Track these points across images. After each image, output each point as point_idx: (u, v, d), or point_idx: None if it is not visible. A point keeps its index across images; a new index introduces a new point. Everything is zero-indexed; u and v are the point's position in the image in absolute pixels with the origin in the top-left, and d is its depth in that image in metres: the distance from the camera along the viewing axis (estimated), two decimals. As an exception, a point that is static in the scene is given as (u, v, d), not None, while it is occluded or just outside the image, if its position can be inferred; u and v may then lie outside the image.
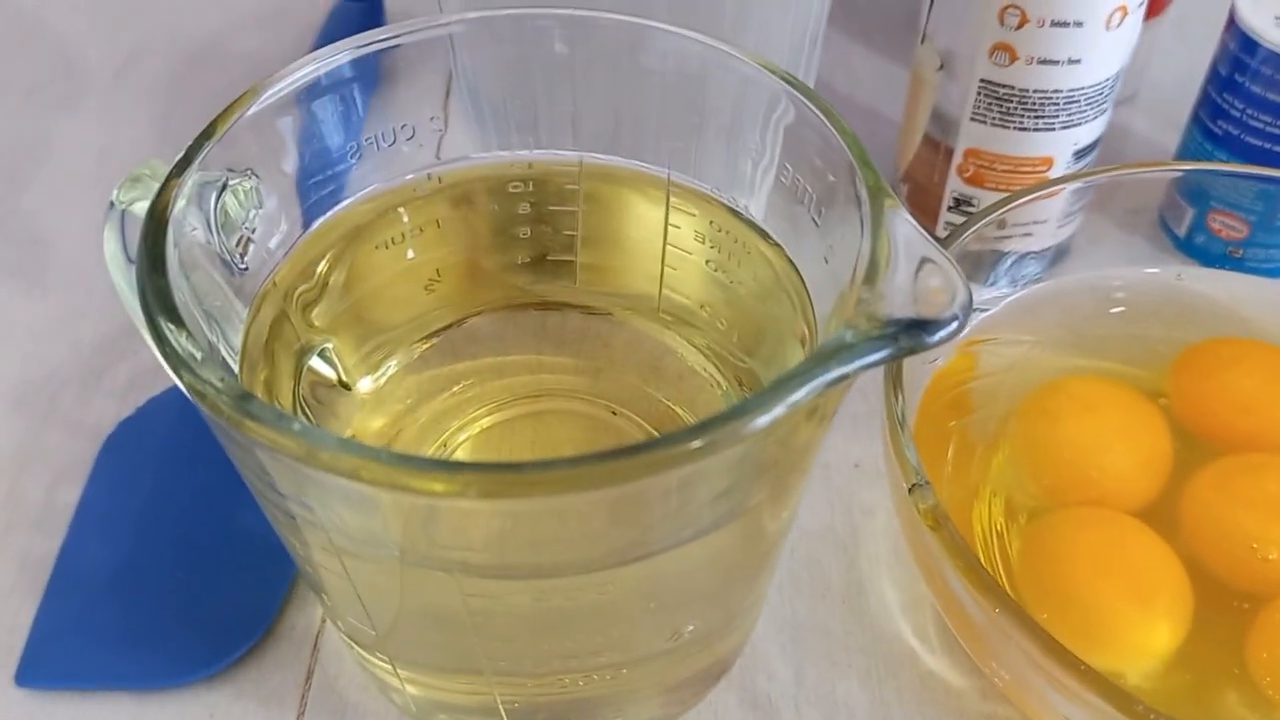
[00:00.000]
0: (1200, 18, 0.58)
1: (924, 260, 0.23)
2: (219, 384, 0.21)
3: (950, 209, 0.43)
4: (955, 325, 0.22)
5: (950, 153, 0.41)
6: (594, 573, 0.23)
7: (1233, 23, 0.40)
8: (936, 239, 0.26)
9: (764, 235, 0.30)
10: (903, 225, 0.24)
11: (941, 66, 0.40)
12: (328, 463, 0.20)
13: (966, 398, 0.34)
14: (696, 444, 0.20)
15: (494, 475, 0.20)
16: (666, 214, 0.32)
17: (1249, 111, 0.40)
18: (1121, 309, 0.39)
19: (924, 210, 0.44)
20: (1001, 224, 0.41)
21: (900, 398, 0.28)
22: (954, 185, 0.42)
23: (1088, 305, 0.39)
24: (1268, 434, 0.33)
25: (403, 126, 0.31)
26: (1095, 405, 0.33)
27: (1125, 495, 0.31)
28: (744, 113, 0.29)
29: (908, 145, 0.43)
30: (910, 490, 0.26)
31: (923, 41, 0.41)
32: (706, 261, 0.32)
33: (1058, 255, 0.41)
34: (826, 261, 0.27)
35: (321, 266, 0.30)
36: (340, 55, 0.29)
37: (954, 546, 0.25)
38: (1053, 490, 0.31)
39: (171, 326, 0.22)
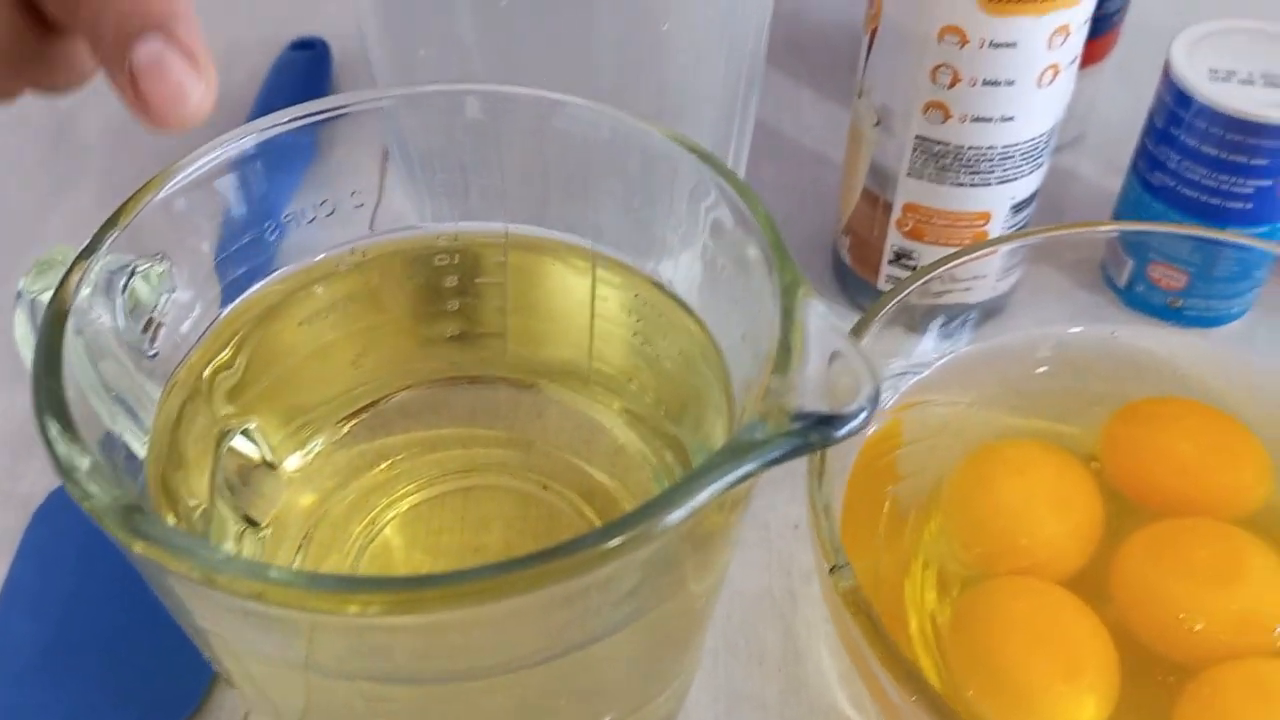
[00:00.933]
0: (1146, 59, 0.58)
1: (835, 353, 0.23)
2: (105, 497, 0.20)
3: (891, 262, 0.43)
4: (862, 419, 0.22)
5: (889, 207, 0.41)
6: (502, 675, 0.23)
7: (1167, 76, 0.41)
8: (871, 306, 0.26)
9: (686, 309, 0.30)
10: (816, 317, 0.23)
11: (878, 122, 0.40)
12: (224, 585, 0.19)
13: (900, 463, 0.34)
14: (601, 548, 0.20)
15: (396, 592, 0.19)
16: (593, 286, 0.32)
17: (1184, 164, 0.41)
18: (1058, 366, 0.39)
19: (865, 262, 0.44)
20: (940, 279, 0.42)
21: (822, 481, 0.28)
22: (894, 239, 0.42)
23: (1024, 363, 0.39)
24: (1200, 497, 0.33)
25: (322, 203, 0.30)
26: (1026, 471, 0.33)
27: (1056, 563, 0.31)
28: (665, 188, 0.29)
29: (848, 199, 0.43)
30: (831, 571, 0.26)
31: (859, 96, 0.41)
32: (633, 334, 0.31)
33: (1000, 306, 0.41)
34: (743, 339, 0.27)
35: (239, 346, 0.30)
36: (257, 135, 0.29)
37: (872, 632, 0.25)
38: (983, 559, 0.31)
39: (57, 432, 0.21)
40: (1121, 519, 0.32)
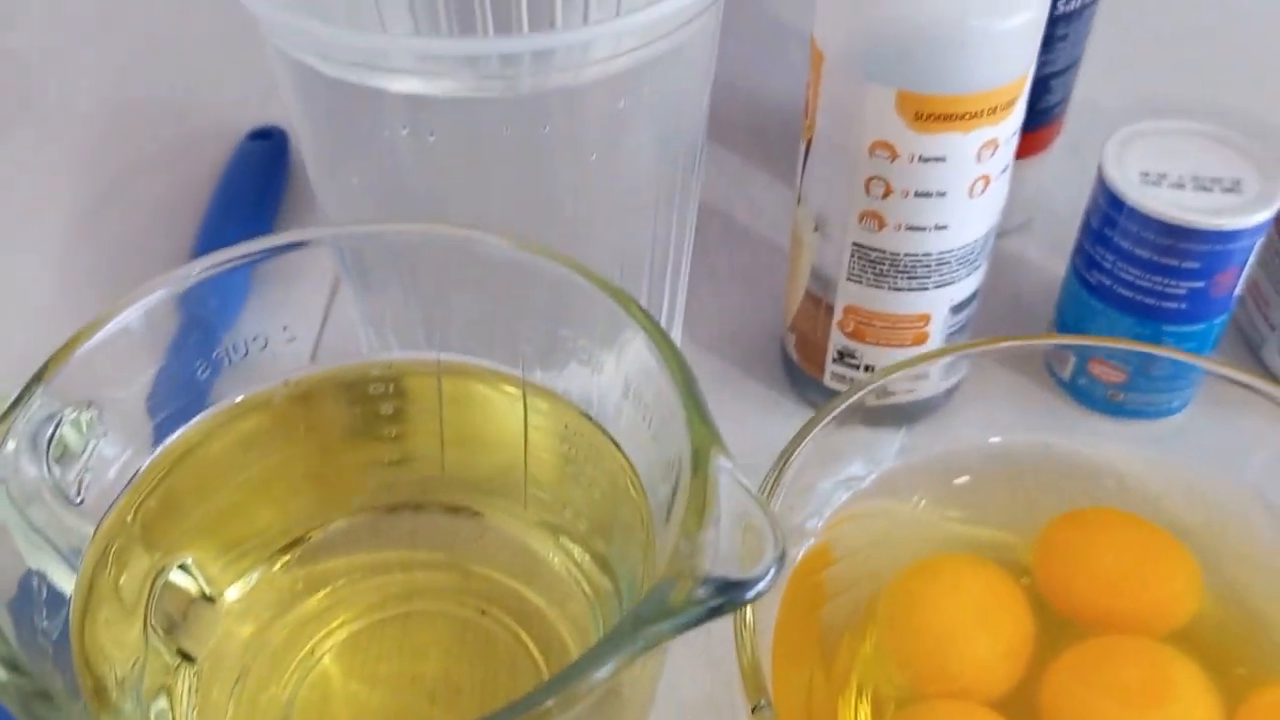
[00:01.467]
0: (1094, 140, 0.59)
1: (743, 515, 0.23)
2: (5, 678, 0.21)
3: (835, 361, 0.43)
4: (768, 581, 0.23)
5: (831, 309, 0.42)
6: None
7: (1100, 178, 0.41)
8: (811, 417, 0.26)
9: (613, 441, 0.30)
10: (726, 477, 0.24)
11: (816, 228, 0.41)
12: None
13: (833, 581, 0.34)
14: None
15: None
16: (525, 414, 0.32)
17: (1119, 264, 0.41)
18: (997, 470, 0.39)
19: (811, 360, 0.44)
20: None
21: (748, 612, 0.28)
22: (837, 339, 0.43)
23: (963, 468, 0.39)
24: (1130, 612, 0.33)
25: (255, 338, 0.31)
26: (956, 590, 0.33)
27: (986, 685, 0.31)
28: (587, 326, 0.29)
29: (793, 298, 0.44)
30: (753, 711, 0.26)
31: (798, 203, 0.41)
32: (567, 462, 0.32)
33: (943, 403, 0.41)
34: (663, 478, 0.27)
35: (170, 484, 0.30)
36: (186, 279, 0.29)
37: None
38: (915, 681, 0.31)
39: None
40: (1053, 635, 0.33)
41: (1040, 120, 0.49)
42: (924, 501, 0.38)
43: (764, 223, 0.55)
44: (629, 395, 0.29)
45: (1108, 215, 0.41)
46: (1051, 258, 0.53)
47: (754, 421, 0.46)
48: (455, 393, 0.32)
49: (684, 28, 0.31)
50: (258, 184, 0.55)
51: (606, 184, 0.33)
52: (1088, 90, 0.61)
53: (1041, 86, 0.47)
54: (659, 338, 0.27)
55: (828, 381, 0.44)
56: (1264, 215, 0.39)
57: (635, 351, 0.28)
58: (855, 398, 0.34)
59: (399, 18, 0.39)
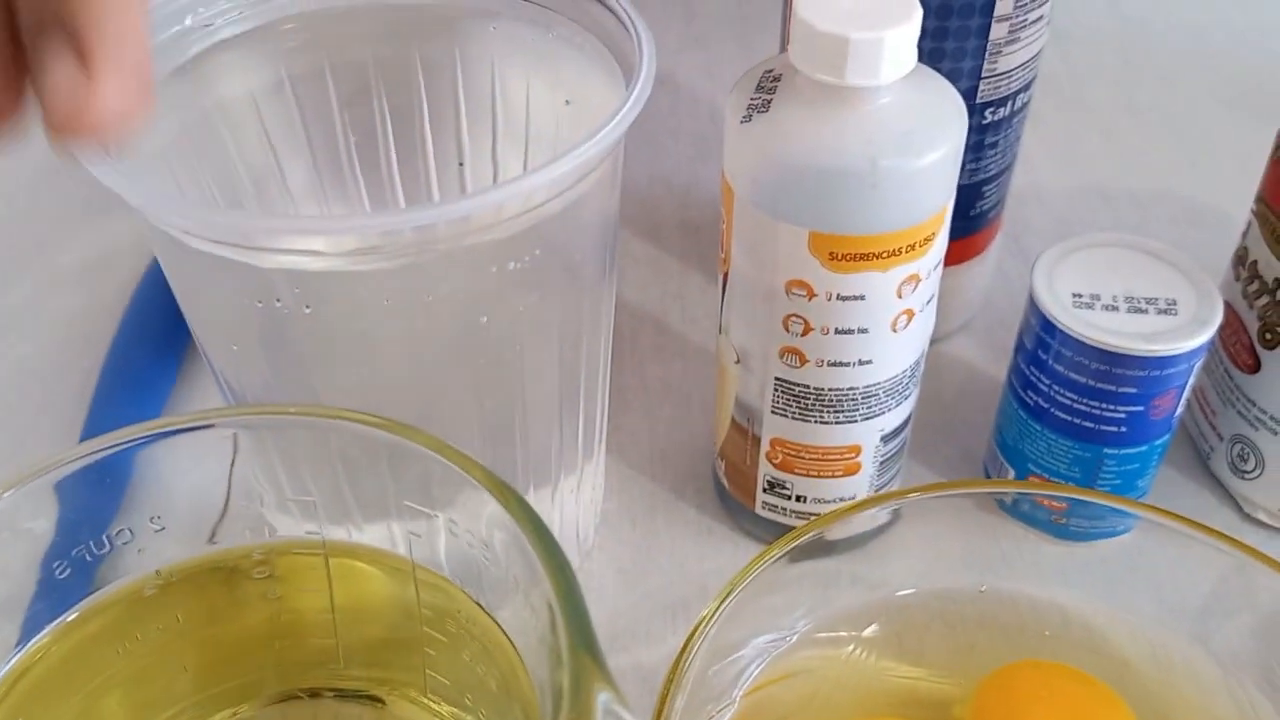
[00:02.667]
0: (1036, 234, 0.58)
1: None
2: None
3: (765, 491, 0.41)
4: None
5: (758, 439, 0.40)
6: None
7: (1032, 300, 0.40)
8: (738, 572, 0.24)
9: (504, 631, 0.28)
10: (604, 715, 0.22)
11: (738, 360, 0.39)
12: None
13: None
14: None
15: None
16: (417, 595, 0.30)
17: (1055, 388, 0.40)
18: (935, 610, 0.38)
19: (741, 488, 0.42)
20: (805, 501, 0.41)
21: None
22: (765, 469, 0.41)
23: (897, 613, 0.38)
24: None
25: (119, 532, 0.29)
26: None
27: None
28: (468, 515, 0.27)
29: (720, 425, 0.42)
30: None
31: (720, 332, 0.39)
32: (462, 648, 0.30)
33: (881, 532, 0.40)
34: (547, 692, 0.25)
35: (31, 694, 0.28)
36: (30, 482, 0.27)
37: None
38: None
39: None
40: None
41: (976, 225, 0.47)
42: (858, 652, 0.36)
43: (698, 331, 0.53)
44: (519, 591, 0.27)
45: (1041, 338, 0.39)
46: (993, 360, 0.51)
47: (684, 550, 0.44)
48: (343, 572, 0.30)
49: (574, 188, 0.30)
50: (170, 307, 0.53)
51: (502, 340, 0.31)
52: (1033, 180, 0.60)
53: (974, 193, 0.46)
54: (536, 540, 0.25)
55: (759, 510, 0.42)
56: (1201, 339, 0.38)
57: (519, 552, 0.26)
58: (763, 567, 0.32)
59: (303, 170, 0.37)
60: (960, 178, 0.45)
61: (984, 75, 0.42)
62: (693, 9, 0.75)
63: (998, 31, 0.41)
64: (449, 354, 0.31)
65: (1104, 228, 0.57)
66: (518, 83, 0.38)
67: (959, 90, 0.42)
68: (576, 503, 0.40)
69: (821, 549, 0.37)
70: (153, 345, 0.49)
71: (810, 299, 0.35)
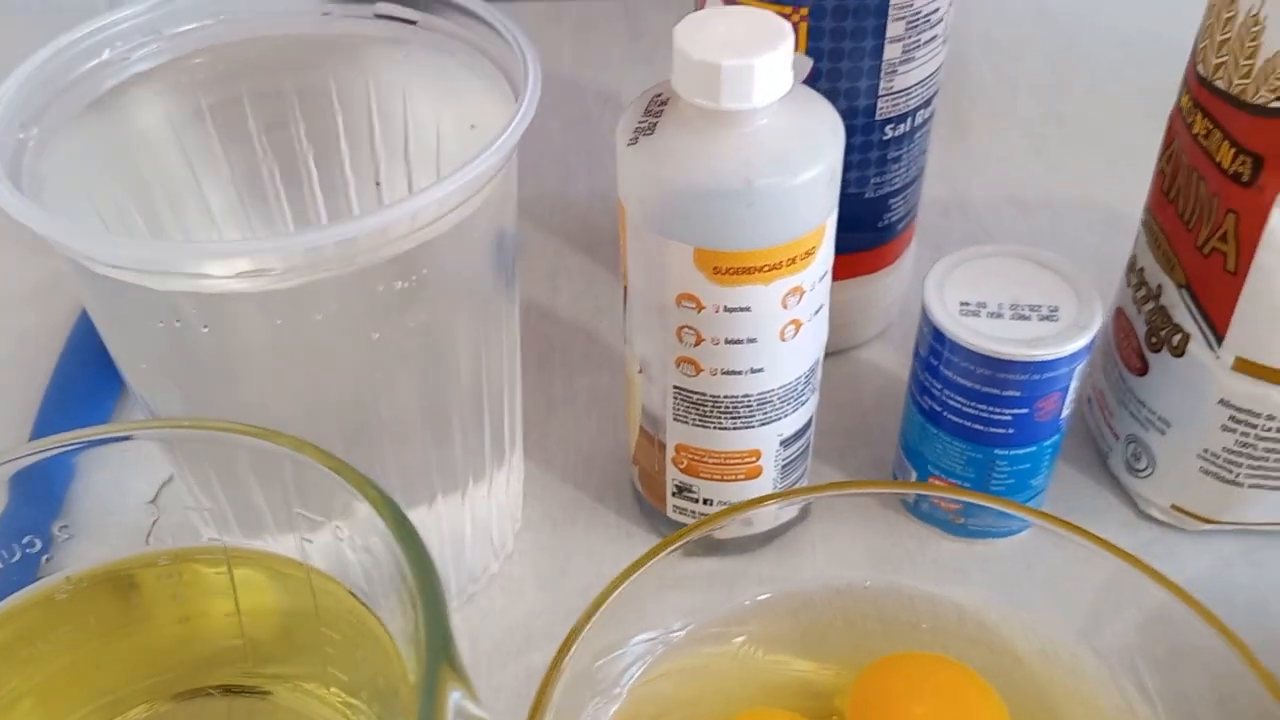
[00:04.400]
0: (957, 244, 0.60)
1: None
2: None
3: (674, 495, 0.43)
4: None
5: (664, 446, 0.42)
6: None
7: (923, 310, 0.41)
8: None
9: (388, 633, 0.30)
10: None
11: (641, 370, 0.41)
12: None
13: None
14: None
15: None
16: (314, 596, 0.32)
17: (946, 393, 0.41)
18: (832, 604, 0.39)
19: (653, 493, 0.44)
20: (711, 504, 0.42)
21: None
22: (672, 474, 0.43)
23: (799, 607, 0.39)
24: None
25: (26, 540, 0.30)
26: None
27: None
28: (353, 522, 0.29)
29: (631, 433, 0.44)
30: None
31: (626, 343, 0.41)
32: (355, 647, 0.32)
33: (788, 529, 0.41)
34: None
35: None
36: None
37: None
38: None
39: None
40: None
41: (885, 237, 0.49)
42: (749, 647, 0.38)
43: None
44: (395, 593, 0.28)
45: (932, 346, 0.41)
46: (908, 368, 0.53)
47: (602, 553, 0.46)
48: (247, 577, 0.32)
49: (459, 208, 0.32)
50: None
51: (397, 354, 0.33)
52: (958, 190, 0.62)
53: (880, 206, 0.48)
54: (403, 544, 0.26)
55: (670, 514, 0.44)
56: (1079, 343, 0.39)
57: (392, 556, 0.27)
58: (647, 567, 0.34)
59: (224, 194, 0.39)
60: (865, 191, 0.47)
61: (881, 93, 0.44)
62: (639, 27, 0.77)
63: (891, 52, 0.43)
64: (345, 369, 0.33)
65: (1022, 236, 0.59)
66: (427, 108, 0.40)
67: (858, 108, 0.45)
68: (490, 508, 0.41)
69: (718, 547, 0.39)
70: (96, 365, 0.51)
71: (699, 311, 0.37)
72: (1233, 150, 0.37)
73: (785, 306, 0.37)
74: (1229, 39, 0.36)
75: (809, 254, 0.37)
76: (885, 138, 0.45)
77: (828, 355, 0.53)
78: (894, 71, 0.43)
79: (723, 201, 0.35)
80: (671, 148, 0.35)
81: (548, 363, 0.53)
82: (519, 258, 0.60)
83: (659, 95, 0.37)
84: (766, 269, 0.36)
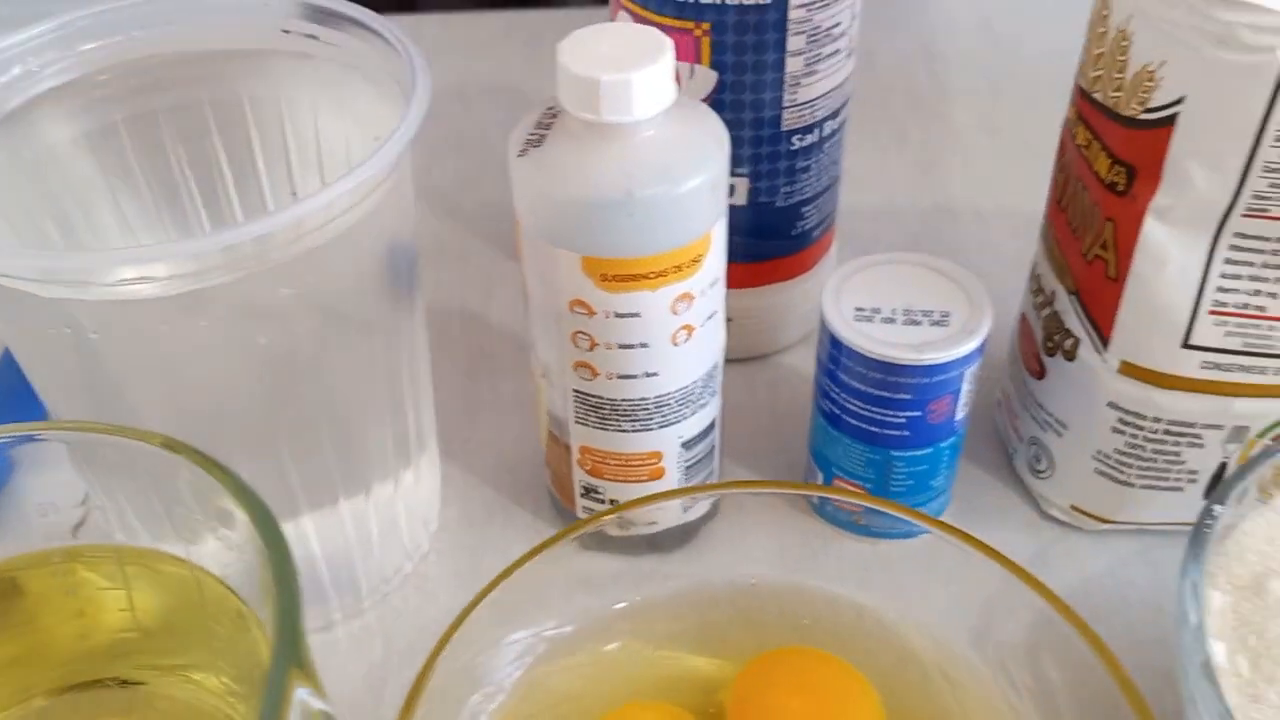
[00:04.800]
0: (886, 251, 0.61)
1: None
2: None
3: (582, 496, 0.44)
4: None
5: (569, 448, 0.43)
6: None
7: (821, 315, 0.43)
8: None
9: (263, 630, 0.31)
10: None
11: (543, 375, 0.42)
12: None
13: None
14: None
15: None
16: (201, 595, 0.33)
17: (844, 396, 0.42)
18: (733, 605, 0.40)
19: (564, 494, 0.45)
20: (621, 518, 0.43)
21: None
22: (579, 476, 0.44)
23: (704, 604, 0.40)
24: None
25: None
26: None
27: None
28: (225, 519, 0.30)
29: (541, 436, 0.45)
30: None
31: (530, 349, 0.42)
32: (240, 643, 0.33)
33: (695, 529, 0.42)
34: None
35: None
36: None
37: None
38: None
39: None
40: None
41: (800, 244, 0.50)
42: (638, 641, 0.39)
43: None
44: (265, 593, 0.30)
45: (830, 351, 0.42)
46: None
47: (517, 553, 0.46)
48: (139, 573, 0.33)
49: (341, 218, 0.33)
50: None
51: (287, 359, 0.34)
52: (890, 198, 0.63)
53: (792, 214, 0.49)
54: (265, 545, 0.27)
55: (579, 514, 0.45)
56: (967, 347, 0.40)
57: (259, 556, 0.28)
58: (534, 562, 0.35)
59: (140, 206, 0.40)
60: (776, 200, 0.49)
61: (786, 105, 0.45)
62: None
63: (794, 65, 0.44)
64: (237, 374, 0.34)
65: (949, 244, 0.60)
66: (336, 121, 0.41)
67: (764, 119, 0.46)
68: (398, 510, 0.42)
69: (628, 547, 0.40)
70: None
71: (591, 317, 0.38)
72: (1109, 160, 0.38)
73: (675, 312, 0.38)
74: (1104, 52, 0.37)
75: (696, 261, 0.38)
76: (793, 148, 0.46)
77: (749, 360, 0.55)
78: (798, 84, 0.45)
79: (606, 211, 0.36)
80: (557, 159, 0.36)
81: (477, 368, 0.55)
82: (455, 265, 0.61)
83: (550, 109, 0.38)
84: (653, 276, 0.37)
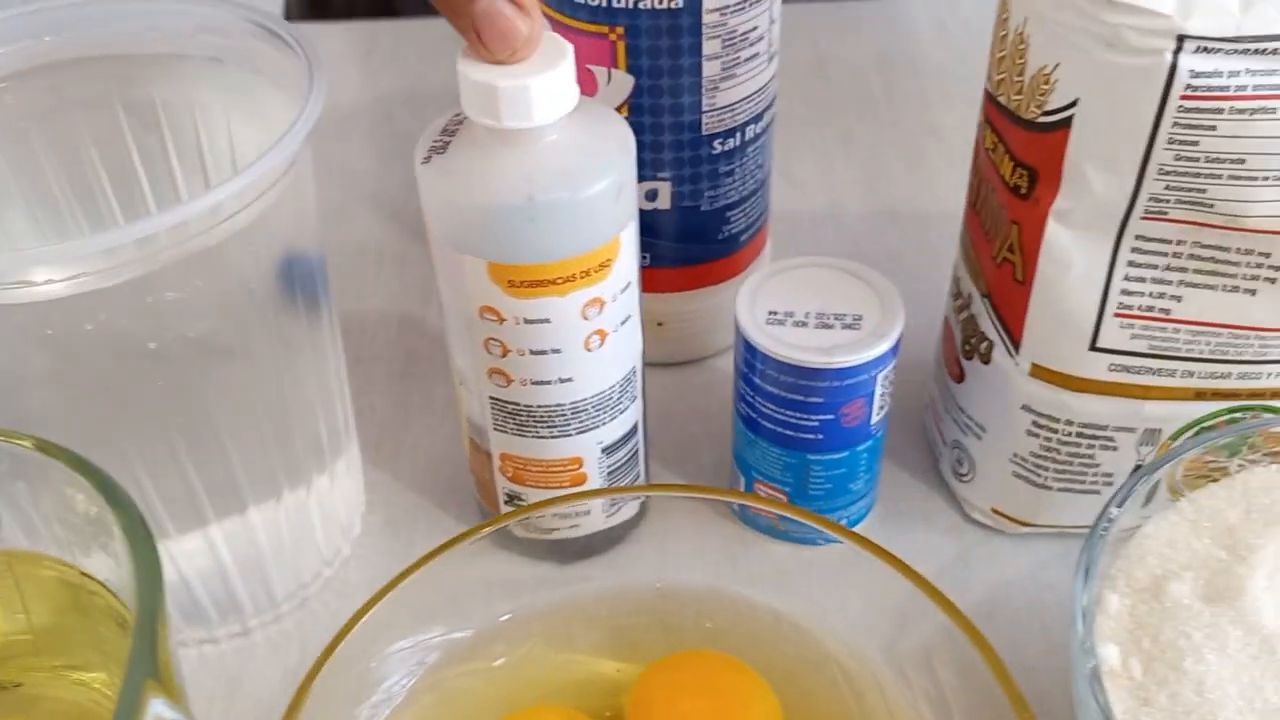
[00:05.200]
0: (829, 255, 0.61)
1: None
2: None
3: (506, 503, 0.44)
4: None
5: (490, 455, 0.43)
6: None
7: (735, 320, 0.43)
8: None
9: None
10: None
11: (461, 382, 0.42)
12: None
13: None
14: None
15: None
16: (90, 599, 0.33)
17: (759, 400, 0.42)
18: (651, 610, 0.40)
19: (489, 500, 0.45)
20: (544, 516, 0.43)
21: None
22: (501, 483, 0.44)
23: (621, 609, 0.40)
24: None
25: None
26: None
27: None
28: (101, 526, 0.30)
29: (465, 443, 0.45)
30: None
31: (450, 356, 0.42)
32: (123, 647, 0.33)
33: (620, 535, 0.42)
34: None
35: None
36: None
37: None
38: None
39: None
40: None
41: (729, 248, 0.50)
42: (542, 645, 0.39)
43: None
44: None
45: (745, 355, 0.42)
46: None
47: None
48: (27, 576, 0.33)
49: (227, 222, 0.33)
50: None
51: (179, 363, 0.34)
52: (835, 201, 0.64)
53: (718, 219, 0.49)
54: (133, 555, 0.27)
55: (512, 526, 0.45)
56: (878, 350, 0.40)
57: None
58: (419, 571, 0.35)
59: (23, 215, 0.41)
60: (700, 204, 0.49)
61: (705, 109, 0.45)
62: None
63: (711, 69, 0.44)
64: (128, 380, 0.34)
65: (891, 248, 0.60)
66: (247, 124, 0.41)
67: (683, 124, 0.46)
68: (315, 515, 0.42)
69: (537, 550, 0.40)
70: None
71: (501, 323, 0.38)
72: (1012, 163, 0.38)
73: (586, 318, 0.38)
74: (1005, 55, 0.38)
75: (604, 266, 0.38)
76: (715, 152, 0.47)
77: (683, 364, 0.55)
78: (716, 88, 0.45)
79: (508, 217, 0.36)
80: (460, 165, 0.36)
81: (412, 372, 0.55)
82: (395, 270, 0.61)
83: (457, 116, 0.38)
84: (561, 281, 0.37)
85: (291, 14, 0.93)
